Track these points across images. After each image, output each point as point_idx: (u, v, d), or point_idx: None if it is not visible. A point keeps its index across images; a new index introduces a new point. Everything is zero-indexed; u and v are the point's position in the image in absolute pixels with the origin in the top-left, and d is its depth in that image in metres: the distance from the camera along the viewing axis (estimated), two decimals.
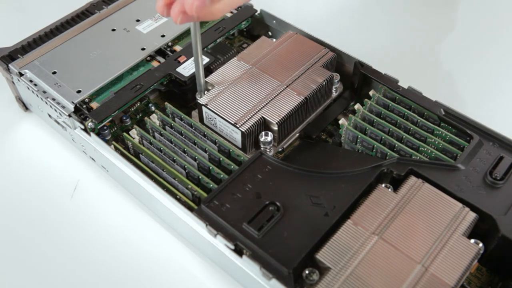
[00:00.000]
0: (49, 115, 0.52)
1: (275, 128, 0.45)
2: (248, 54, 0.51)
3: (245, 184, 0.41)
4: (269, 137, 0.45)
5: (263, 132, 0.46)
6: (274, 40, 0.53)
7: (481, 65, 0.61)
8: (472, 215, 0.39)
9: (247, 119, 0.45)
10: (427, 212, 0.39)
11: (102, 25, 0.55)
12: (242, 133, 0.44)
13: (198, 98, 0.48)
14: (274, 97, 0.47)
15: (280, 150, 0.48)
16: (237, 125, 0.45)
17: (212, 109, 0.46)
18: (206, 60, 0.51)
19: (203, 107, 0.46)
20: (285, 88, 0.47)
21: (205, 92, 0.48)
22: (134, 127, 0.47)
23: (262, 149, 0.45)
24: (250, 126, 0.45)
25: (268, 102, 0.46)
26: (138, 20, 0.55)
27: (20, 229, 0.47)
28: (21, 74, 0.51)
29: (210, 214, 0.39)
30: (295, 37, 0.52)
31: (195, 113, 0.50)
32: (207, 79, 0.48)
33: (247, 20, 0.57)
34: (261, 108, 0.46)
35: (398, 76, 0.49)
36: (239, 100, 0.47)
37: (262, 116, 0.45)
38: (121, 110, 0.48)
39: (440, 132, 0.45)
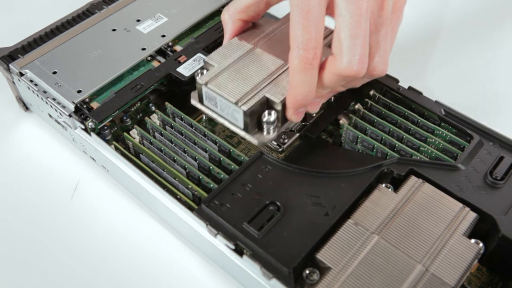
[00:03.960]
0: (50, 115, 0.52)
1: (279, 108, 0.43)
2: (249, 34, 0.48)
3: (245, 184, 0.41)
4: (273, 116, 0.43)
5: (266, 112, 0.43)
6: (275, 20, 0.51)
7: (482, 65, 0.61)
8: (472, 215, 0.39)
9: (249, 98, 0.43)
10: (427, 212, 0.39)
11: (102, 25, 0.55)
12: (244, 112, 0.42)
13: (197, 77, 0.45)
14: (277, 76, 0.44)
15: (280, 150, 0.48)
16: (239, 104, 0.42)
17: (212, 89, 0.43)
18: None
19: (203, 86, 0.44)
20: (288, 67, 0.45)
21: (205, 71, 0.46)
22: (135, 127, 0.47)
23: (265, 129, 0.43)
24: (252, 105, 0.42)
25: (270, 81, 0.44)
26: (138, 20, 0.55)
27: (21, 228, 0.47)
28: (21, 74, 0.51)
29: (210, 214, 0.39)
30: None
31: (194, 93, 0.47)
32: (207, 58, 0.46)
33: None
34: (264, 87, 0.43)
35: (398, 76, 0.49)
36: (240, 79, 0.44)
37: (265, 95, 0.43)
38: (121, 110, 0.48)
39: (440, 132, 0.45)
